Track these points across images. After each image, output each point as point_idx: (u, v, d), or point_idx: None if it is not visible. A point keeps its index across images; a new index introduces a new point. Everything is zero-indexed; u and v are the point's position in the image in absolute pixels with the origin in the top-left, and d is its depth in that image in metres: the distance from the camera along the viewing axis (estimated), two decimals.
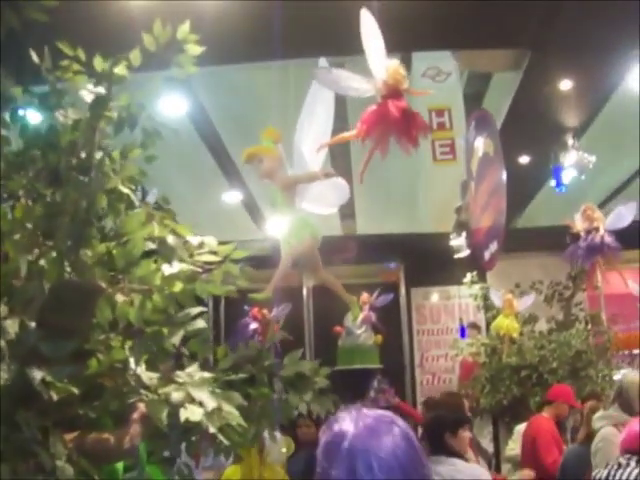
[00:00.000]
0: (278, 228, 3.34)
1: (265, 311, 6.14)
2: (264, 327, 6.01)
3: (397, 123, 2.72)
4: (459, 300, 6.97)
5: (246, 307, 6.20)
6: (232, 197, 5.86)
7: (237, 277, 1.89)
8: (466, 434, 2.52)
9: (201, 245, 1.79)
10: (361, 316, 6.21)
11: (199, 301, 1.82)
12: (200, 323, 1.72)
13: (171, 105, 3.76)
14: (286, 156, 3.22)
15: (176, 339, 1.67)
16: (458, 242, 5.82)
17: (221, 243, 1.90)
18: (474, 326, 6.29)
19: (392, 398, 5.57)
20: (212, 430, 1.54)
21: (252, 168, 3.27)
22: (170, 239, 1.67)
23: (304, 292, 7.33)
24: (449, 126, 3.63)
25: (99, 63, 1.73)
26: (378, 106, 2.81)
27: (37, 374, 1.35)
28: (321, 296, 6.23)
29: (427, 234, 6.57)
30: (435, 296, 7.33)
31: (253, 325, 6.16)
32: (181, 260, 1.73)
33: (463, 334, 6.21)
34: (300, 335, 6.75)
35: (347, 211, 6.36)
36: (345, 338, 6.55)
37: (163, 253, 1.67)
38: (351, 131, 3.04)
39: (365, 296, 6.50)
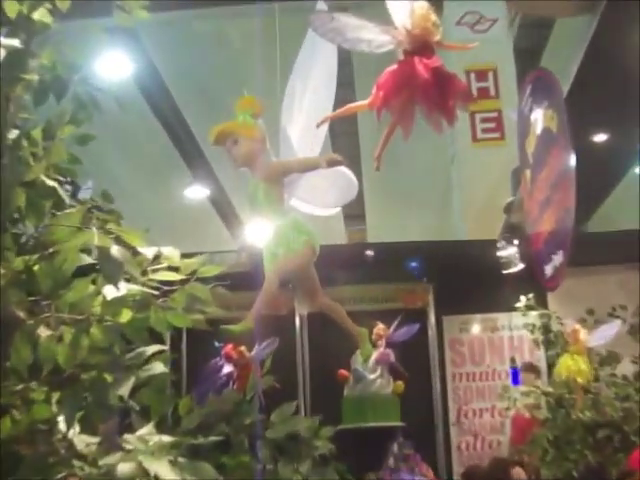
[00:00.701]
0: (260, 235, 3.33)
1: (244, 349, 6.12)
2: (242, 371, 5.98)
3: (426, 89, 2.71)
4: (510, 332, 6.98)
5: (218, 343, 6.18)
6: (197, 193, 5.87)
7: (206, 302, 1.88)
8: None
9: (157, 259, 1.79)
10: (375, 355, 6.19)
11: (155, 336, 1.82)
12: (157, 367, 1.71)
13: (114, 67, 3.75)
14: (270, 137, 3.22)
15: (124, 389, 1.66)
16: (508, 252, 5.83)
17: (184, 256, 1.89)
18: (531, 368, 6.29)
19: (419, 468, 5.55)
20: None
21: (224, 152, 3.27)
22: (114, 250, 1.66)
23: (297, 323, 7.32)
24: (494, 93, 3.63)
25: (12, 7, 1.72)
26: (400, 65, 2.80)
27: None
28: (320, 328, 6.19)
29: (464, 242, 6.58)
30: (476, 327, 7.33)
31: (227, 368, 6.13)
32: (130, 279, 1.73)
33: (516, 379, 6.20)
34: (292, 382, 6.74)
35: (355, 212, 6.37)
36: (353, 385, 6.54)
37: (105, 270, 1.65)
38: (362, 101, 3.03)
39: (380, 328, 6.50)
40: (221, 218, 6.44)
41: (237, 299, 2.41)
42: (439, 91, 2.76)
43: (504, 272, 5.92)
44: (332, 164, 3.04)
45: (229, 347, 6.13)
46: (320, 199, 3.33)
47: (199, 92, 4.94)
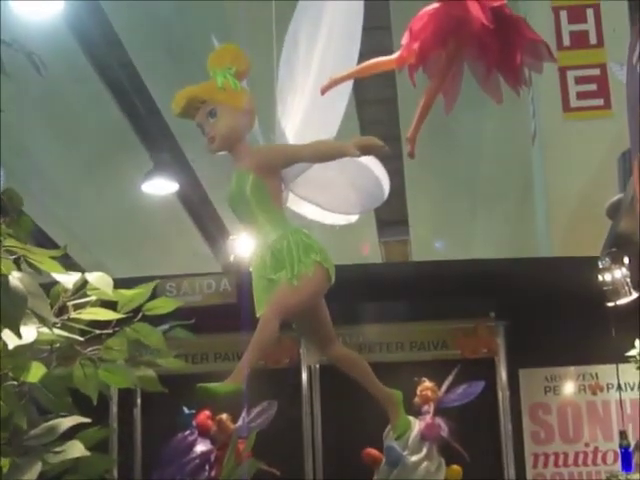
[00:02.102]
0: (250, 250, 3.30)
1: (225, 418, 6.09)
2: (224, 450, 5.96)
3: (483, 39, 2.66)
4: (619, 394, 6.88)
5: (188, 410, 6.16)
6: (160, 187, 5.85)
7: (162, 352, 1.85)
8: None
9: (81, 289, 1.74)
10: (418, 427, 6.12)
11: (81, 401, 1.79)
12: (73, 448, 1.67)
13: (40, 11, 3.76)
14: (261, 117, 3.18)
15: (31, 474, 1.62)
16: (614, 275, 5.73)
17: (130, 283, 1.86)
18: None
19: None
20: None
21: (196, 128, 3.24)
22: (15, 278, 1.61)
23: (303, 379, 7.26)
24: (596, 41, 3.57)
25: None
26: (443, 4, 2.76)
27: None
28: (337, 387, 6.15)
29: (549, 260, 6.52)
30: (569, 386, 7.24)
31: (202, 445, 6.12)
32: (43, 320, 1.68)
33: (628, 463, 6.08)
34: (297, 465, 6.67)
35: (394, 217, 6.31)
36: (387, 471, 6.46)
37: (2, 307, 1.61)
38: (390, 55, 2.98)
39: (427, 387, 6.43)
40: (196, 224, 6.42)
41: (218, 344, 2.36)
42: (501, 42, 2.70)
43: (609, 304, 5.83)
44: (367, 150, 2.97)
45: (204, 415, 6.10)
46: (336, 202, 3.27)
47: (165, 48, 4.93)
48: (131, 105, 5.23)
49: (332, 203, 3.28)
